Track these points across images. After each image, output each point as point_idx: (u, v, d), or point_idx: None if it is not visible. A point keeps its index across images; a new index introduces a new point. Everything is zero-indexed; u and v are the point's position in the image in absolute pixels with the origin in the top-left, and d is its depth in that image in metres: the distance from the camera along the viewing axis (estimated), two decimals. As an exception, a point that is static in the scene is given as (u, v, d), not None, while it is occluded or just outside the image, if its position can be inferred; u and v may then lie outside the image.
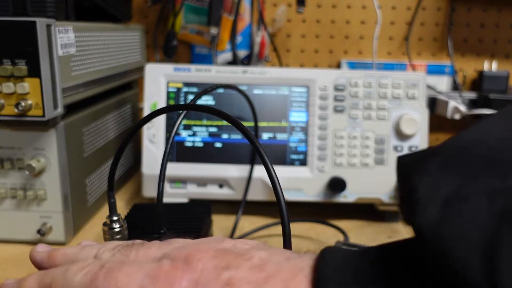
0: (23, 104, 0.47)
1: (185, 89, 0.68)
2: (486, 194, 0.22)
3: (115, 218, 0.42)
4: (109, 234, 0.42)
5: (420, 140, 0.67)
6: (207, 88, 0.53)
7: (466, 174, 0.23)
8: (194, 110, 0.40)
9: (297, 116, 0.68)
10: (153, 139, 0.67)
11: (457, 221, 0.21)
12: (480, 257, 0.20)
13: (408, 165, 0.27)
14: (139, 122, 0.40)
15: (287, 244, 0.32)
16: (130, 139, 0.40)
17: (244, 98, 0.64)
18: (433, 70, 0.98)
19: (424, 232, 0.23)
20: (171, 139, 0.43)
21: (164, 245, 0.30)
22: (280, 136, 0.68)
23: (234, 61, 0.85)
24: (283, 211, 0.32)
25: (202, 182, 0.68)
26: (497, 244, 0.20)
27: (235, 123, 0.36)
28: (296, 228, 0.63)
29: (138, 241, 0.33)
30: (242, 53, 0.90)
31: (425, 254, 0.23)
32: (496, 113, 0.26)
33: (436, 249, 0.22)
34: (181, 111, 0.48)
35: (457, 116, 0.83)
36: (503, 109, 0.26)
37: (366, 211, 0.69)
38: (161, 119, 0.67)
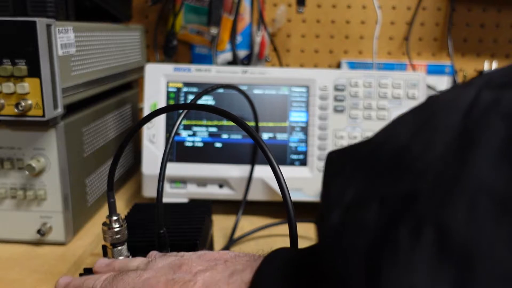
0: (23, 104, 0.47)
1: (185, 89, 0.68)
2: (378, 199, 0.21)
3: (114, 218, 0.42)
4: (108, 233, 0.42)
5: (420, 140, 0.67)
6: (208, 88, 0.53)
7: (369, 177, 0.23)
8: (201, 110, 0.40)
9: (297, 116, 0.68)
10: (153, 139, 0.67)
11: (350, 231, 0.21)
12: (362, 278, 0.19)
13: (333, 162, 0.27)
14: (139, 121, 0.40)
15: (293, 245, 0.33)
16: (130, 138, 0.40)
17: (244, 98, 0.64)
18: (433, 70, 0.98)
19: (325, 239, 0.23)
20: (171, 139, 0.43)
21: (139, 277, 0.33)
22: (280, 136, 0.68)
23: (234, 61, 0.85)
24: (290, 211, 0.33)
25: (202, 182, 0.68)
26: (377, 267, 0.19)
27: (240, 123, 0.36)
28: (297, 228, 0.63)
29: (125, 266, 0.37)
30: (242, 53, 0.90)
31: (319, 261, 0.23)
32: (408, 111, 0.25)
33: (328, 261, 0.22)
34: (181, 111, 0.48)
35: (457, 116, 0.83)
36: (414, 106, 0.26)
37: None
38: (161, 119, 0.67)
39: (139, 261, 0.37)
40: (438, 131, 0.21)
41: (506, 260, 0.16)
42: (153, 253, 0.39)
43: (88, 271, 0.41)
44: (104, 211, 0.67)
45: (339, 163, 0.26)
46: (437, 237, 0.18)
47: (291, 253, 0.30)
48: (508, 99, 0.20)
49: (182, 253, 0.36)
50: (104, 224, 0.42)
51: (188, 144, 0.68)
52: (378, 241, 0.20)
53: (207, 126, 0.68)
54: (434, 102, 0.24)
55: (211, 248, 0.56)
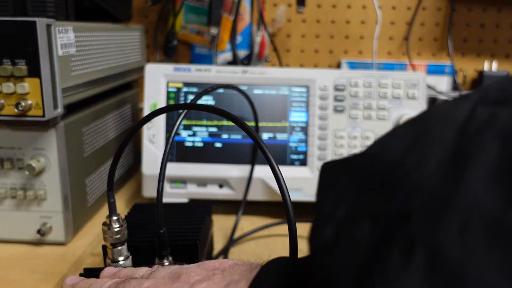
0: (23, 104, 0.47)
1: (185, 89, 0.68)
2: (370, 217, 0.21)
3: (114, 218, 0.42)
4: (108, 233, 0.42)
5: (420, 140, 0.67)
6: (207, 88, 0.53)
7: (362, 191, 0.23)
8: (199, 110, 0.40)
9: (297, 116, 0.68)
10: (153, 139, 0.67)
11: (342, 248, 0.21)
12: None
13: (327, 174, 0.27)
14: (139, 121, 0.40)
15: (293, 245, 0.33)
16: (130, 138, 0.40)
17: (244, 98, 0.64)
18: (433, 70, 0.98)
19: (317, 254, 0.23)
20: (171, 139, 0.43)
21: (140, 284, 0.34)
22: (280, 136, 0.68)
23: (234, 61, 0.85)
24: (290, 211, 0.33)
25: (202, 182, 0.68)
26: (368, 286, 0.19)
27: (240, 123, 0.36)
28: (296, 228, 0.63)
29: (130, 274, 0.37)
30: (242, 53, 0.90)
31: (312, 275, 0.23)
32: (402, 123, 0.25)
33: (320, 276, 0.22)
34: (181, 111, 0.48)
35: (457, 116, 0.83)
36: (409, 119, 0.25)
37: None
38: (161, 119, 0.67)
39: (143, 270, 0.37)
40: (432, 146, 0.21)
41: (496, 284, 0.16)
42: (157, 266, 0.39)
43: (88, 271, 0.41)
44: (104, 211, 0.67)
45: (333, 176, 0.26)
46: (428, 259, 0.18)
47: (287, 264, 0.30)
48: (503, 117, 0.20)
49: (185, 266, 0.37)
50: (104, 224, 0.42)
51: (188, 144, 0.68)
52: (369, 260, 0.20)
53: (207, 126, 0.68)
54: (429, 115, 0.24)
55: (211, 248, 0.56)
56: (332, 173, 0.26)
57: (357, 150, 0.67)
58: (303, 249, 0.35)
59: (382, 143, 0.25)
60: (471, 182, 0.19)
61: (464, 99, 0.23)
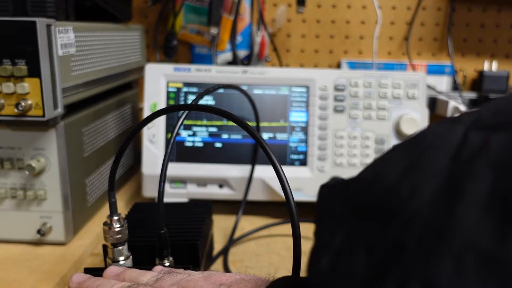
0: (23, 104, 0.47)
1: (185, 89, 0.68)
2: (366, 247, 0.21)
3: (115, 217, 0.42)
4: (109, 233, 0.42)
5: (420, 140, 0.67)
6: (209, 88, 0.53)
7: (358, 220, 0.23)
8: (200, 111, 0.40)
9: (297, 116, 0.68)
10: (153, 139, 0.67)
11: (338, 279, 0.21)
12: None
13: (324, 200, 0.27)
14: (141, 122, 0.40)
15: (297, 244, 0.33)
16: (133, 138, 0.40)
17: (246, 98, 0.64)
18: (433, 70, 0.98)
19: (314, 282, 0.23)
20: (172, 140, 0.43)
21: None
22: (280, 136, 0.68)
23: (234, 61, 0.85)
24: (293, 211, 0.33)
25: (202, 182, 0.68)
26: None
27: (243, 124, 0.36)
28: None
29: (135, 277, 0.38)
30: (242, 53, 0.90)
31: None
32: (397, 146, 0.25)
33: None
34: (182, 112, 0.48)
35: (457, 116, 0.82)
36: (403, 141, 0.25)
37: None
38: (161, 119, 0.67)
39: (149, 276, 0.37)
40: (426, 173, 0.21)
41: None
42: (160, 269, 0.39)
43: (88, 271, 0.41)
44: (104, 211, 0.67)
45: (330, 202, 0.26)
46: None
47: (293, 284, 0.30)
48: (495, 144, 0.20)
49: (189, 272, 0.37)
50: (105, 224, 0.42)
51: (188, 144, 0.68)
52: None
53: (207, 126, 0.68)
54: (422, 139, 0.24)
55: (211, 248, 0.56)
56: (329, 199, 0.27)
57: (357, 150, 0.67)
58: (304, 250, 0.36)
59: (376, 168, 0.25)
60: (463, 214, 0.19)
61: (457, 121, 0.23)
